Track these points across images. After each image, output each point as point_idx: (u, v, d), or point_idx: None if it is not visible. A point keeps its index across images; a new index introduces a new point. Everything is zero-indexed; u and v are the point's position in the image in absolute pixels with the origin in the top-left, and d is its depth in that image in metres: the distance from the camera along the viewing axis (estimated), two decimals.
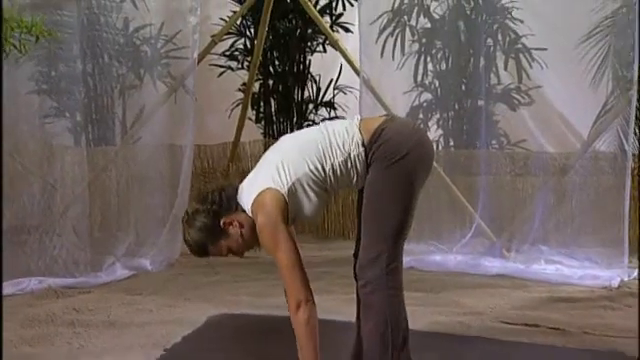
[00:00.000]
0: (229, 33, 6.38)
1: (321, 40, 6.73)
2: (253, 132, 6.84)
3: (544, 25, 5.04)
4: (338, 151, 2.51)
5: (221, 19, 6.63)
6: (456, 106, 5.62)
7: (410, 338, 2.57)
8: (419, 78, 5.58)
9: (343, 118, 6.75)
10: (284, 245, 2.42)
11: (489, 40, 5.31)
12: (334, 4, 6.65)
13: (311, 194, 2.50)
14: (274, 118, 6.88)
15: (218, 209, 2.49)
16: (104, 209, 5.05)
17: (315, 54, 6.88)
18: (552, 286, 4.28)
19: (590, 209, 4.75)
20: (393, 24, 5.49)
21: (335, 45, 5.70)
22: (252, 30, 6.73)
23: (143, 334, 3.40)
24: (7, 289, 4.12)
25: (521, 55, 5.28)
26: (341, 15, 6.62)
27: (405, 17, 5.52)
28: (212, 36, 5.95)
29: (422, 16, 5.50)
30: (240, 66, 6.83)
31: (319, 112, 6.90)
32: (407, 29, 5.51)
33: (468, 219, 5.12)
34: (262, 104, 6.90)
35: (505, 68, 5.34)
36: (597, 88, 4.98)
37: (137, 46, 5.39)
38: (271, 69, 6.84)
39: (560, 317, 3.56)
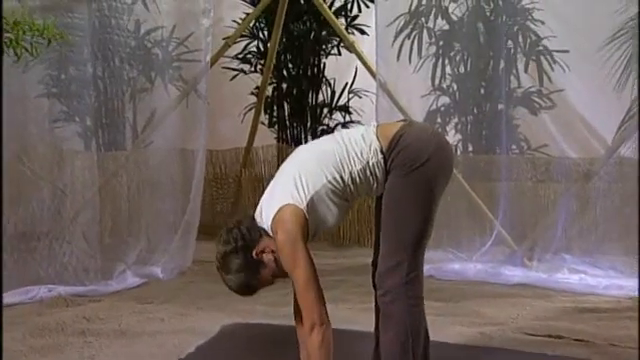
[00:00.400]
0: (242, 35, 6.38)
1: (336, 42, 6.71)
2: (266, 137, 6.84)
3: (566, 27, 5.01)
4: (356, 159, 2.50)
5: (234, 21, 6.64)
6: (475, 110, 5.58)
7: (430, 349, 2.55)
8: (437, 81, 5.55)
9: (358, 122, 6.78)
10: (303, 263, 2.43)
11: (509, 42, 5.26)
12: (349, 6, 6.63)
13: (331, 205, 2.50)
14: (287, 122, 6.87)
15: (245, 243, 2.50)
16: (114, 215, 5.05)
17: (330, 57, 6.87)
18: (576, 296, 4.24)
19: (614, 216, 4.70)
20: (410, 26, 5.46)
21: (351, 48, 5.69)
22: (265, 32, 6.73)
23: (155, 344, 3.40)
24: (16, 297, 4.16)
25: (542, 57, 5.24)
26: (356, 17, 6.61)
27: (422, 19, 5.49)
28: (224, 38, 5.96)
29: (440, 18, 5.47)
30: (253, 69, 6.83)
31: (334, 116, 6.88)
32: (424, 31, 5.48)
33: (488, 226, 5.08)
34: (275, 108, 6.89)
35: (525, 71, 5.30)
36: (621, 92, 4.92)
37: (148, 49, 5.40)
38: (285, 72, 6.83)
39: (585, 328, 3.52)
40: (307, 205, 2.46)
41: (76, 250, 4.56)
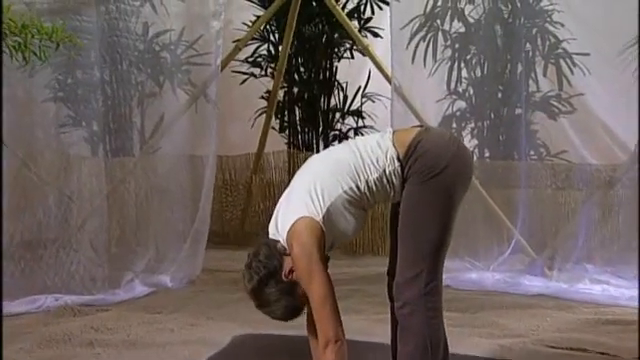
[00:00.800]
0: (252, 38, 6.39)
1: (348, 45, 6.71)
2: (277, 142, 6.84)
3: (586, 29, 5.00)
4: (372, 167, 2.50)
5: (244, 24, 6.65)
6: (492, 115, 5.57)
7: None
8: (452, 85, 5.53)
9: (371, 127, 6.77)
10: (319, 278, 2.43)
11: (528, 45, 5.26)
12: (362, 7, 6.63)
13: (348, 215, 2.50)
14: (299, 127, 6.87)
15: (269, 271, 2.50)
16: (122, 223, 5.06)
17: (342, 60, 6.88)
18: (599, 307, 4.21)
19: (638, 225, 4.66)
20: (425, 29, 5.46)
21: (365, 51, 5.69)
22: (276, 35, 6.74)
23: (165, 355, 3.40)
24: (22, 307, 4.17)
25: (562, 61, 5.23)
26: (370, 19, 6.61)
27: (438, 21, 5.49)
28: (234, 41, 5.97)
29: (456, 20, 5.46)
30: (263, 73, 6.84)
31: (346, 121, 6.88)
32: (440, 34, 5.47)
33: (506, 235, 5.06)
34: (286, 113, 6.89)
35: (544, 74, 5.30)
36: None
37: (156, 52, 5.42)
38: (296, 76, 6.84)
39: (609, 341, 3.49)
40: (323, 217, 2.45)
41: (83, 259, 4.56)
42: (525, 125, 5.20)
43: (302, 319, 3.67)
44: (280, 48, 6.40)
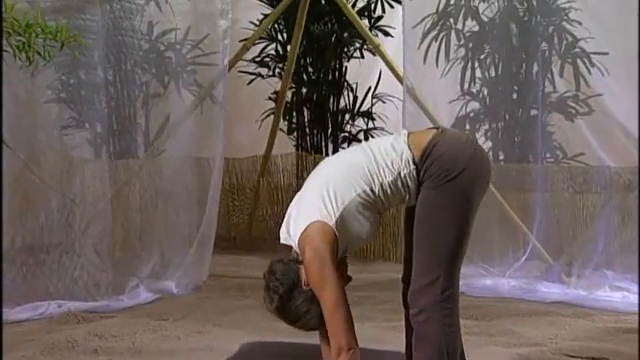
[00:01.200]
0: (259, 38, 6.38)
1: (358, 45, 6.71)
2: (285, 144, 6.84)
3: (604, 27, 4.96)
4: (387, 170, 2.49)
5: (251, 22, 6.66)
6: (507, 116, 5.55)
7: None
8: (466, 86, 5.52)
9: (382, 129, 6.77)
10: (331, 284, 2.43)
11: (544, 44, 5.24)
12: (373, 6, 6.62)
13: (362, 219, 2.49)
14: (307, 129, 6.87)
15: (289, 286, 2.52)
16: (127, 227, 5.06)
17: (352, 60, 6.87)
18: (619, 315, 4.18)
19: None
20: (437, 27, 5.44)
21: (376, 50, 5.67)
22: (284, 34, 6.74)
23: None
24: (24, 313, 4.16)
25: (579, 60, 5.20)
26: (381, 18, 6.60)
27: (451, 20, 5.47)
28: (240, 41, 5.97)
29: (470, 18, 5.45)
30: (271, 73, 6.84)
31: (356, 123, 6.88)
32: (453, 33, 5.46)
33: (522, 240, 5.04)
34: (295, 114, 6.89)
35: (561, 74, 5.27)
36: None
37: (161, 52, 5.42)
38: (304, 76, 6.84)
39: (630, 351, 3.46)
40: (336, 221, 2.45)
41: (87, 264, 4.56)
42: (541, 127, 5.17)
43: None
44: (288, 48, 6.39)
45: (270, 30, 6.67)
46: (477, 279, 4.91)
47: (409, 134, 2.58)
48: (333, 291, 2.42)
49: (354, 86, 6.85)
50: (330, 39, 6.68)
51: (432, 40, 5.39)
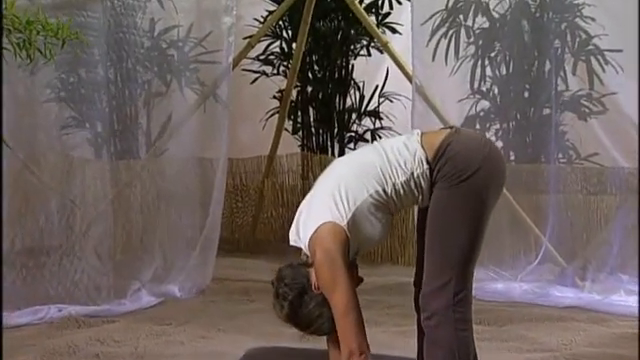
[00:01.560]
0: (264, 35, 6.38)
1: (365, 42, 6.70)
2: (290, 144, 6.84)
3: (619, 24, 4.95)
4: (399, 170, 2.49)
5: (255, 19, 6.66)
6: (518, 116, 5.54)
7: None
8: (476, 84, 5.51)
9: (390, 129, 6.76)
10: (343, 286, 2.42)
11: (556, 41, 5.22)
12: (380, 2, 6.62)
13: (374, 220, 2.49)
14: (313, 129, 6.87)
15: (298, 291, 2.51)
16: (128, 229, 5.05)
17: (358, 58, 6.87)
18: (635, 320, 4.14)
19: None
20: (447, 24, 5.44)
21: (384, 48, 5.67)
22: (289, 32, 6.73)
23: None
24: (24, 318, 4.16)
25: (592, 58, 5.19)
26: (388, 14, 6.60)
27: (461, 16, 5.46)
28: (244, 38, 5.96)
29: (480, 15, 5.44)
30: (276, 71, 6.84)
31: (363, 122, 6.87)
32: (462, 30, 5.45)
33: (534, 243, 5.03)
34: (300, 113, 6.89)
35: (574, 72, 5.26)
36: None
37: (163, 50, 5.42)
38: (310, 75, 6.83)
39: None
40: (348, 222, 2.45)
41: (87, 267, 4.56)
42: (554, 126, 5.15)
43: None
44: (294, 45, 6.39)
45: (275, 27, 6.67)
46: (488, 283, 4.90)
47: (423, 134, 2.59)
48: (344, 293, 2.42)
49: (361, 84, 6.85)
50: (336, 36, 6.68)
51: (441, 37, 5.38)
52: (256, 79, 6.82)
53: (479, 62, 5.45)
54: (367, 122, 6.89)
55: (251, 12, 6.76)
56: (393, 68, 5.95)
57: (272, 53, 6.86)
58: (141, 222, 5.07)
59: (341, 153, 6.74)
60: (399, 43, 6.14)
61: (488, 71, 5.48)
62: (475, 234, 2.46)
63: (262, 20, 6.60)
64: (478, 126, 5.63)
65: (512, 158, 5.52)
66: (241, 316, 4.40)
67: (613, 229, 4.80)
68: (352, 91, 6.86)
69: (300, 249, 2.60)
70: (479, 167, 2.44)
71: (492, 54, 5.47)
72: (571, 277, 4.83)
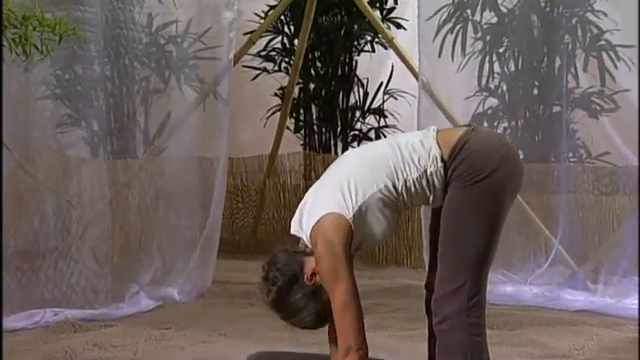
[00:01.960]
0: (265, 30, 6.38)
1: (369, 38, 6.69)
2: (292, 143, 6.83)
3: (632, 19, 4.93)
4: (412, 166, 2.47)
5: (255, 14, 6.65)
6: (527, 113, 5.53)
7: None
8: (483, 81, 5.51)
9: (394, 127, 6.75)
10: (344, 280, 2.41)
11: (567, 36, 5.22)
12: None
13: (381, 217, 2.48)
14: (315, 127, 6.86)
15: (289, 278, 2.49)
16: (126, 230, 5.04)
17: (362, 54, 6.86)
18: None
19: None
20: (453, 19, 5.43)
21: (390, 44, 5.66)
22: (291, 27, 6.72)
23: None
24: (19, 322, 4.14)
25: (604, 54, 5.18)
26: (393, 9, 6.59)
27: (468, 11, 5.45)
28: (245, 34, 5.95)
29: (488, 10, 5.43)
30: (277, 68, 6.83)
31: (367, 120, 6.87)
32: (469, 25, 5.44)
33: (544, 244, 5.03)
34: (302, 111, 6.88)
35: (585, 69, 5.25)
36: None
37: (161, 45, 5.41)
38: (312, 71, 6.82)
39: None
40: (354, 215, 2.44)
41: (84, 270, 4.55)
42: (565, 124, 5.15)
43: (321, 336, 3.66)
44: (295, 41, 6.38)
45: (276, 22, 6.65)
46: (497, 286, 4.87)
47: (439, 131, 2.57)
48: (346, 287, 2.40)
49: (365, 81, 6.84)
50: (339, 32, 6.66)
51: (447, 33, 5.38)
52: (257, 76, 6.81)
53: (487, 58, 5.45)
54: (371, 120, 6.87)
55: (251, 7, 6.73)
56: (397, 65, 5.94)
57: (273, 49, 6.85)
58: (139, 223, 5.06)
59: (344, 152, 6.71)
60: (402, 39, 6.14)
61: (496, 67, 5.47)
62: (490, 236, 2.45)
63: (263, 15, 6.58)
64: (486, 124, 5.62)
65: (521, 157, 5.48)
66: (242, 320, 4.39)
67: (626, 231, 4.79)
68: (356, 88, 6.85)
69: (300, 239, 2.58)
70: (496, 167, 2.43)
71: (500, 50, 5.46)
72: (582, 280, 4.83)
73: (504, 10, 5.37)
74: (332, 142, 6.82)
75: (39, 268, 4.46)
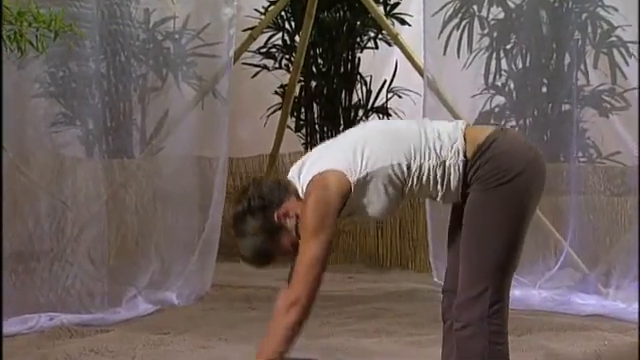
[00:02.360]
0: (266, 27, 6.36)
1: (373, 34, 6.68)
2: (293, 142, 6.81)
3: None
4: (433, 154, 2.45)
5: (256, 10, 6.64)
6: (535, 112, 5.52)
7: None
8: (490, 79, 5.50)
9: None
10: (323, 237, 2.38)
11: (576, 33, 5.20)
12: None
13: (382, 193, 2.45)
14: (317, 126, 6.85)
15: (263, 203, 2.46)
16: (123, 232, 5.02)
17: (365, 51, 6.84)
18: None
19: None
20: (459, 15, 5.42)
21: (395, 40, 5.65)
22: (292, 23, 6.71)
23: None
24: (13, 327, 4.12)
25: (615, 50, 5.18)
26: (397, 4, 6.59)
27: (474, 7, 5.45)
28: (244, 30, 5.94)
29: (495, 5, 5.43)
30: (277, 65, 6.81)
31: (370, 119, 6.84)
32: (476, 21, 5.44)
33: (554, 247, 5.01)
34: (303, 110, 6.87)
35: (595, 66, 5.24)
36: None
37: (159, 42, 5.40)
38: (314, 69, 6.81)
39: None
40: (358, 180, 2.41)
41: (80, 272, 4.54)
42: (575, 123, 5.14)
43: (325, 340, 3.65)
44: (296, 37, 6.37)
45: (277, 18, 6.64)
46: None
47: (468, 126, 2.54)
48: (321, 245, 2.38)
49: (368, 79, 6.83)
50: (342, 28, 6.66)
51: (453, 29, 5.37)
52: (257, 73, 6.80)
53: (494, 55, 5.45)
54: (375, 119, 6.86)
55: (251, 2, 6.73)
56: (401, 62, 5.92)
57: (274, 46, 6.83)
58: (137, 225, 5.04)
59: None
60: (406, 35, 6.12)
61: (503, 64, 5.47)
62: (513, 241, 2.44)
63: (263, 11, 6.57)
64: (493, 122, 5.62)
65: None
66: (243, 324, 4.38)
67: (638, 232, 4.78)
68: (359, 86, 6.84)
69: None
70: (523, 169, 2.42)
71: (508, 46, 5.46)
72: (594, 284, 4.82)
73: (512, 5, 5.36)
74: None
75: (34, 271, 4.44)
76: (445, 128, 2.51)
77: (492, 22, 5.44)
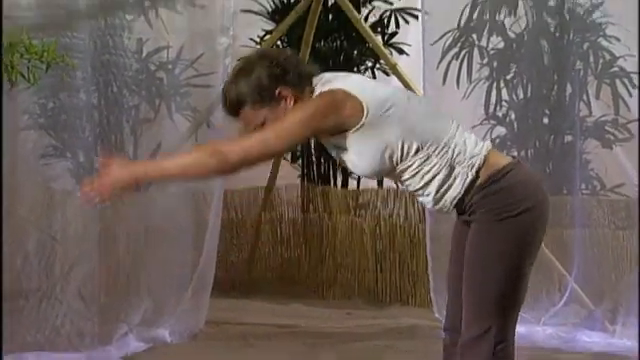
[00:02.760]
0: None
1: (370, 64, 6.71)
2: (289, 174, 6.79)
3: None
4: (447, 153, 2.41)
5: (251, 39, 6.66)
6: (537, 143, 5.53)
7: None
8: (490, 109, 5.51)
9: None
10: (292, 135, 2.36)
11: (578, 63, 5.23)
12: (386, 21, 6.64)
13: (374, 150, 2.40)
14: (314, 158, 6.84)
15: (281, 74, 2.42)
16: (114, 268, 4.99)
17: None
18: None
19: None
20: (459, 44, 5.45)
21: (393, 70, 5.67)
22: None
23: None
24: None
25: (617, 81, 5.20)
26: (395, 34, 6.62)
27: (474, 36, 5.48)
28: (239, 60, 5.93)
29: (495, 35, 5.45)
30: None
31: None
32: (475, 50, 5.46)
33: (558, 282, 4.99)
34: None
35: (597, 96, 5.26)
36: None
37: (152, 72, 5.40)
38: None
39: None
40: (366, 115, 2.35)
41: (69, 311, 4.49)
42: (578, 155, 5.14)
43: None
44: None
45: (273, 47, 6.66)
46: None
47: (490, 149, 2.51)
48: (283, 139, 2.35)
49: None
50: (339, 58, 6.68)
51: (452, 58, 5.39)
52: None
53: (494, 85, 5.46)
54: None
55: (247, 32, 6.72)
56: None
57: None
58: (128, 261, 5.00)
59: (344, 184, 6.70)
60: (404, 64, 6.14)
61: (504, 95, 5.48)
62: (517, 274, 2.44)
63: (259, 40, 6.59)
64: None
65: None
66: None
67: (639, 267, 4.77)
68: None
69: None
70: (532, 205, 2.42)
71: (508, 77, 5.48)
72: (600, 320, 4.79)
73: (512, 35, 5.38)
74: (331, 173, 6.78)
75: (22, 309, 4.40)
76: (472, 141, 2.47)
77: (492, 52, 5.45)
